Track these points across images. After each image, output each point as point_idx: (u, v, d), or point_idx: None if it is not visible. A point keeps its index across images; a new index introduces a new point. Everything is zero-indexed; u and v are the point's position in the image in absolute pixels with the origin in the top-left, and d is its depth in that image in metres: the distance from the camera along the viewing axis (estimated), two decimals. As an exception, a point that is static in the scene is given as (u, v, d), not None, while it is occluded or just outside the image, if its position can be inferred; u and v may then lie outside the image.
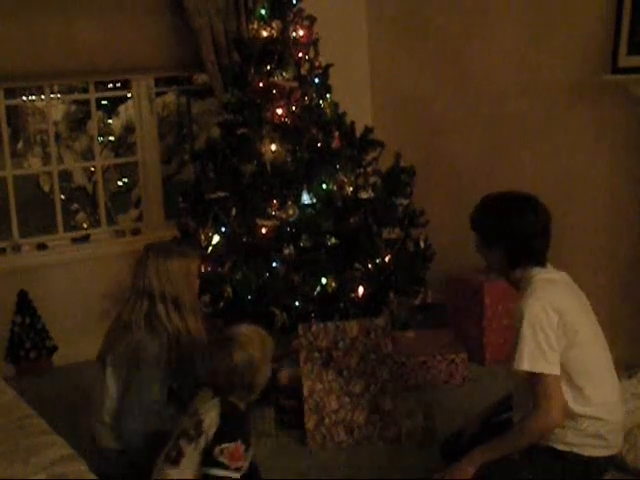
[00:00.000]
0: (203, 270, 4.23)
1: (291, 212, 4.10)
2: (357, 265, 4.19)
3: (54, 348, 4.88)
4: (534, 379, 2.60)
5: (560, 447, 2.68)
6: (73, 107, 9.23)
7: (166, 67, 5.15)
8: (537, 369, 2.57)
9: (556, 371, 2.58)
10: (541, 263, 2.76)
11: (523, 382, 2.75)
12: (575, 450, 2.67)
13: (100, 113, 8.58)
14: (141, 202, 5.61)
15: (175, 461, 2.61)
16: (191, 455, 2.60)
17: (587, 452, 2.67)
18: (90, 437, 3.15)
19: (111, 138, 9.22)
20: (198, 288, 3.29)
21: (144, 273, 3.12)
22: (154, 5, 4.91)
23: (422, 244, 4.44)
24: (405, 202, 4.44)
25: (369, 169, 4.46)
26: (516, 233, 2.74)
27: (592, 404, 2.65)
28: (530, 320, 2.59)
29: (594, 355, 2.73)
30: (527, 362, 2.58)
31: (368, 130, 4.50)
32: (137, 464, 2.90)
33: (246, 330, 2.75)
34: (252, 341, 2.69)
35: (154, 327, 3.05)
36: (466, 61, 5.06)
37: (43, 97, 5.65)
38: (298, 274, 4.07)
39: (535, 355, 2.57)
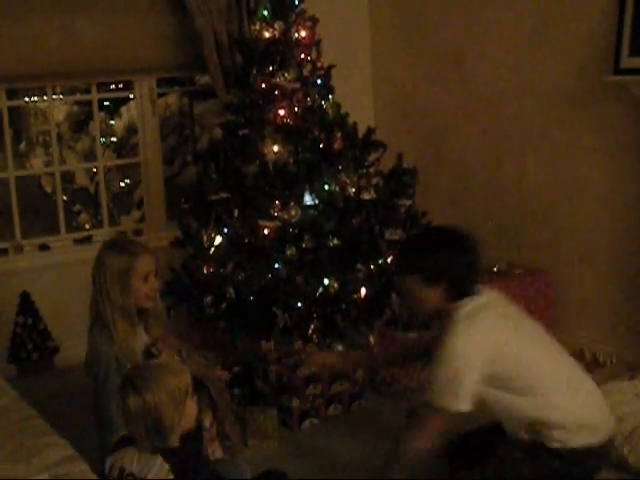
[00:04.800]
0: (205, 271, 4.23)
1: (293, 213, 4.10)
2: (359, 266, 4.19)
3: (56, 349, 4.88)
4: (430, 408, 2.67)
5: (554, 445, 2.71)
6: (75, 108, 9.22)
7: (168, 68, 5.16)
8: (439, 404, 2.63)
9: (458, 408, 2.62)
10: (473, 292, 2.78)
11: None
12: (566, 444, 2.70)
13: (102, 114, 8.56)
14: (143, 203, 5.61)
15: None
16: None
17: (577, 443, 2.69)
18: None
19: (113, 139, 9.21)
20: (146, 293, 3.01)
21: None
22: (156, 6, 4.91)
23: (424, 245, 4.44)
24: (407, 203, 4.44)
25: (371, 170, 4.46)
26: (458, 266, 2.76)
27: (561, 411, 2.70)
28: (453, 355, 2.62)
29: (548, 367, 2.76)
30: (436, 396, 2.64)
31: (370, 131, 4.50)
32: None
33: (147, 369, 2.47)
34: (148, 382, 2.36)
35: (102, 327, 2.95)
36: (468, 62, 5.06)
37: (45, 98, 5.65)
38: (300, 275, 4.07)
39: (443, 391, 2.63)
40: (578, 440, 2.70)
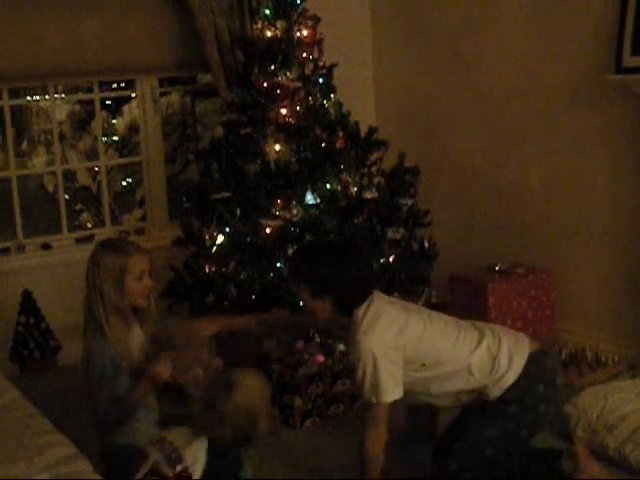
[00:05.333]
0: (207, 270, 4.23)
1: (295, 212, 4.10)
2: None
3: (58, 348, 4.89)
4: (369, 405, 2.87)
5: (496, 393, 2.84)
6: (77, 107, 9.22)
7: (170, 67, 5.16)
8: (374, 400, 2.83)
9: (390, 398, 2.83)
10: (363, 301, 2.90)
11: None
12: (504, 385, 2.83)
13: (104, 113, 8.56)
14: (145, 202, 5.61)
15: None
16: None
17: (512, 377, 2.83)
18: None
19: (115, 138, 9.21)
20: (141, 292, 3.03)
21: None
22: (158, 5, 4.91)
23: (426, 244, 4.44)
24: (409, 202, 4.44)
25: (373, 169, 4.46)
26: (344, 282, 2.86)
27: (478, 362, 2.85)
28: (366, 353, 2.78)
29: (447, 334, 2.91)
30: (369, 394, 2.83)
31: (372, 130, 4.49)
32: None
33: (249, 379, 2.65)
34: (252, 392, 2.59)
35: (96, 326, 2.95)
36: (470, 60, 5.05)
37: (47, 97, 5.65)
38: (302, 274, 4.06)
39: (372, 388, 2.81)
40: (510, 374, 2.83)
